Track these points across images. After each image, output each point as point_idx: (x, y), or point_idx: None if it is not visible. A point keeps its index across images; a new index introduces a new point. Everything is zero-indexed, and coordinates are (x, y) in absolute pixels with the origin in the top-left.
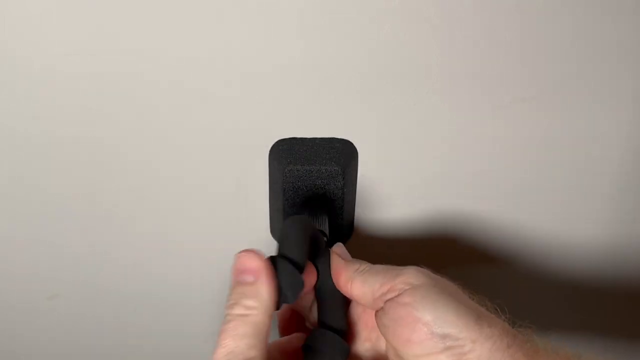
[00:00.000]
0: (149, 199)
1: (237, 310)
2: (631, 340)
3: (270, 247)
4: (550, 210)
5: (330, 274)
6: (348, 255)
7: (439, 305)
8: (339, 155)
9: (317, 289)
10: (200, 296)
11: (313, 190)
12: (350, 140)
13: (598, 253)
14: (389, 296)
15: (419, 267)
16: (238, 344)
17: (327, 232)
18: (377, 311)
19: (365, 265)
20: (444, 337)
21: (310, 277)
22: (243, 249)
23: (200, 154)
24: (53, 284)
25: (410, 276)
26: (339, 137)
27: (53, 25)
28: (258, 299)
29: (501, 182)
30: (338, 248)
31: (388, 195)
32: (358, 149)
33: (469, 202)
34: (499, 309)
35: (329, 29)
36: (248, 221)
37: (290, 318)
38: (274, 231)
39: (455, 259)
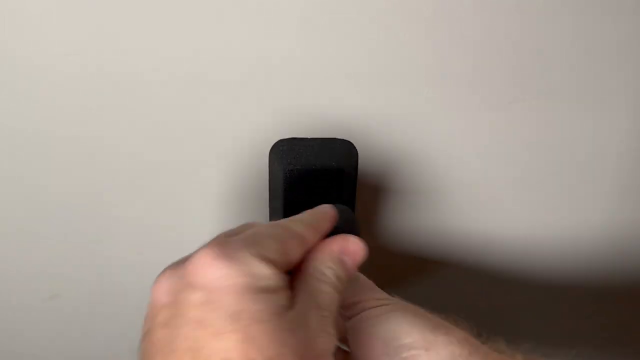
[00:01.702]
0: (149, 199)
1: None
2: (634, 343)
3: None
4: (552, 211)
5: None
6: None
7: (393, 319)
8: (339, 155)
9: None
10: None
11: (313, 190)
12: (350, 141)
13: (598, 253)
14: (350, 311)
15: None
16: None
17: None
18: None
19: (356, 274)
20: (398, 348)
21: None
22: None
23: (201, 154)
24: (53, 284)
25: (379, 297)
26: (339, 137)
27: (53, 25)
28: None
29: (502, 182)
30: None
31: (388, 195)
32: (358, 149)
33: (469, 202)
34: (465, 323)
35: (329, 29)
36: (248, 221)
37: None
38: None
39: (455, 256)
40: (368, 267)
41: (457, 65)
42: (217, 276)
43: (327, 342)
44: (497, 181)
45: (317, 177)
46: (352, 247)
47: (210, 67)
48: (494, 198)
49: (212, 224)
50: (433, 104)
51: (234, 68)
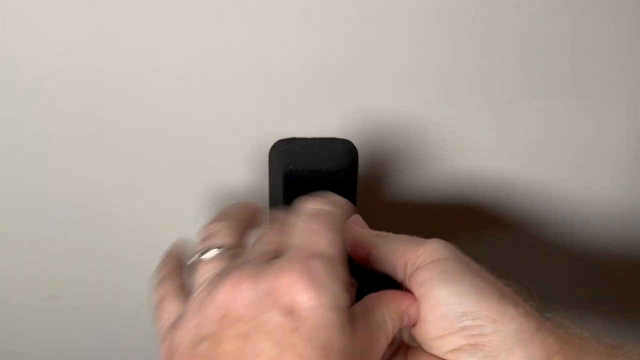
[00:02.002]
0: (149, 199)
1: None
2: None
3: None
4: (552, 211)
5: None
6: (366, 226)
7: (457, 281)
8: (339, 155)
9: None
10: None
11: (313, 190)
12: (350, 140)
13: (598, 252)
14: (409, 270)
15: (444, 241)
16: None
17: None
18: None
19: (385, 233)
20: (461, 315)
21: None
22: None
23: (201, 155)
24: (53, 284)
25: (433, 249)
26: (339, 137)
27: (53, 25)
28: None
29: (502, 182)
30: (356, 218)
31: (388, 195)
32: (358, 149)
33: (469, 203)
34: (526, 293)
35: (329, 29)
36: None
37: None
38: None
39: None
40: None
41: (457, 65)
42: (309, 306)
43: None
44: (497, 181)
45: (317, 177)
46: (415, 311)
47: (210, 67)
48: (494, 197)
49: None
50: (433, 104)
51: (234, 68)
